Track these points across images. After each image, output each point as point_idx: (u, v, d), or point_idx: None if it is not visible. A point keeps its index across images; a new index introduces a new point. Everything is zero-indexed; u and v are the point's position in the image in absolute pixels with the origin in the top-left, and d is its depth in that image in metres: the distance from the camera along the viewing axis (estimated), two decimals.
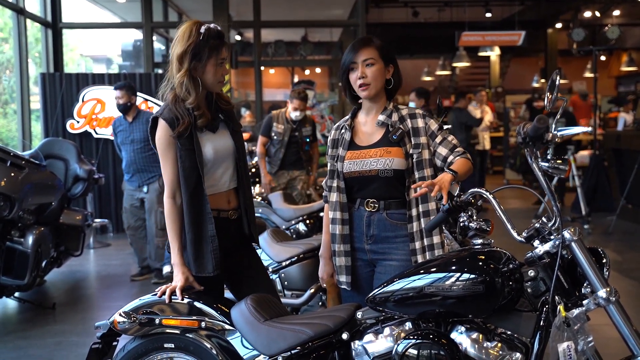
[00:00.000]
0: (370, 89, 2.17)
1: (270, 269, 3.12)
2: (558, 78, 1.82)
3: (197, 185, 2.13)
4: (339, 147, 2.25)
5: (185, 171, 2.13)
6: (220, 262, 2.17)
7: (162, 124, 2.13)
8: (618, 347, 1.80)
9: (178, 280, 2.11)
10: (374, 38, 2.23)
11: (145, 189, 4.99)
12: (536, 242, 1.83)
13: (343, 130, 2.26)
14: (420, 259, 2.12)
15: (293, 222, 4.16)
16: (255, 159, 6.02)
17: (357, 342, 1.90)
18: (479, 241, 1.92)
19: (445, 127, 2.26)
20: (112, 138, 7.16)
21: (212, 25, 2.14)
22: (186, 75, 2.11)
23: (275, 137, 5.16)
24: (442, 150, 2.16)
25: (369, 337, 1.89)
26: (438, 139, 2.17)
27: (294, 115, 5.16)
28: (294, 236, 4.06)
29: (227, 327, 2.02)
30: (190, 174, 2.13)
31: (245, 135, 8.45)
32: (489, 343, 1.77)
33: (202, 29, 2.11)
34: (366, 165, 2.15)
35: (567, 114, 7.47)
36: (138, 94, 7.19)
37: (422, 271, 1.85)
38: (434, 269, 1.83)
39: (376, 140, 2.19)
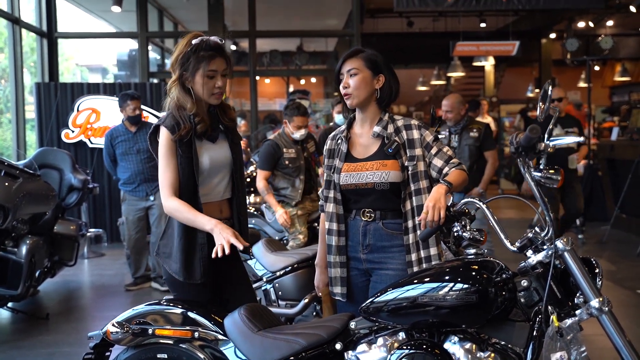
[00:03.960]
0: (352, 98, 2.19)
1: (265, 279, 3.12)
2: (550, 88, 1.84)
3: (193, 193, 2.16)
4: (335, 157, 2.26)
5: (184, 178, 2.15)
6: (208, 270, 2.18)
7: (163, 131, 2.16)
8: (611, 357, 1.80)
9: (229, 232, 2.04)
10: (366, 49, 2.24)
11: (152, 197, 5.01)
12: (529, 252, 1.84)
13: (339, 141, 2.27)
14: (416, 270, 2.11)
15: (286, 232, 4.16)
16: (251, 168, 6.01)
17: (350, 352, 1.90)
18: (473, 251, 1.93)
19: (440, 136, 2.27)
20: None
21: (211, 38, 2.16)
22: (177, 83, 2.16)
23: (290, 165, 4.17)
24: (438, 162, 2.17)
25: (362, 347, 1.89)
26: (433, 151, 2.18)
27: (299, 134, 4.19)
28: (288, 244, 4.06)
29: (221, 337, 2.02)
30: (187, 181, 2.16)
31: (242, 144, 8.44)
32: (482, 353, 1.77)
33: (195, 40, 2.14)
34: (362, 178, 2.16)
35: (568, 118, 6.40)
36: None
37: (415, 281, 1.85)
38: (428, 279, 1.84)
39: (372, 152, 2.20)
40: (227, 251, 2.00)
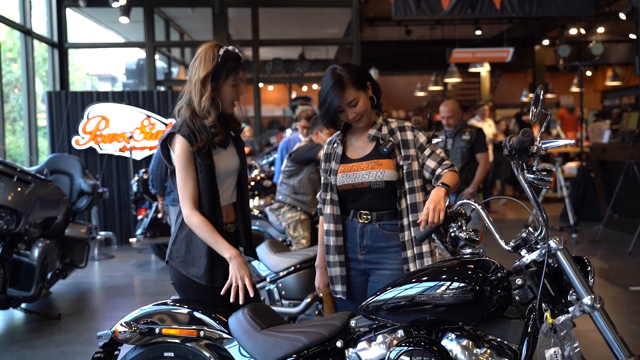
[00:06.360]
0: (363, 119, 2.24)
1: (268, 279, 3.19)
2: (542, 92, 1.89)
3: (215, 199, 2.19)
4: (331, 161, 2.31)
5: (205, 185, 2.18)
6: (225, 275, 2.21)
7: (180, 140, 2.15)
8: (603, 352, 1.84)
9: (246, 271, 2.09)
10: (342, 71, 2.19)
11: None
12: (523, 251, 1.87)
13: (335, 145, 2.32)
14: (412, 267, 2.17)
15: (289, 237, 4.21)
16: (255, 172, 6.12)
17: (351, 349, 1.95)
18: (469, 250, 1.97)
19: (435, 140, 2.32)
20: (116, 153, 7.29)
21: (230, 48, 2.20)
22: (209, 96, 2.15)
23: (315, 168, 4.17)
24: (431, 163, 2.22)
25: (362, 344, 1.94)
26: (427, 152, 2.23)
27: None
28: (291, 247, 4.12)
29: (225, 336, 2.07)
30: (209, 188, 2.18)
31: (245, 150, 8.54)
32: (478, 350, 1.82)
33: (221, 51, 2.17)
34: (358, 177, 2.21)
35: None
36: (141, 110, 7.35)
37: (413, 280, 1.90)
38: (425, 278, 1.88)
39: (367, 153, 2.25)
40: (241, 300, 2.05)
